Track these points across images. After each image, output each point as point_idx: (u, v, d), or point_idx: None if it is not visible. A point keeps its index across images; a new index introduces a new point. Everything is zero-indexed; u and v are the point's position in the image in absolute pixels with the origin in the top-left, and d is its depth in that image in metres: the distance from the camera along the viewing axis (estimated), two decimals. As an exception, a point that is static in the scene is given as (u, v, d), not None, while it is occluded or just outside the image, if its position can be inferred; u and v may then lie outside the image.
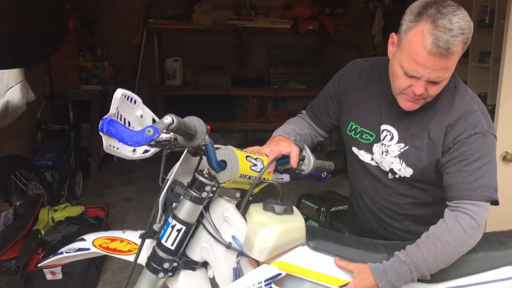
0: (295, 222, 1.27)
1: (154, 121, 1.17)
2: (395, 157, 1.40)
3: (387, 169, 1.44)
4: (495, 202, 1.29)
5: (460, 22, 1.18)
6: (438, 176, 1.36)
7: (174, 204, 1.26)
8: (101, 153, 5.03)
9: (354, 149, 1.51)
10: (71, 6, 5.18)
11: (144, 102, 1.17)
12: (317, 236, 1.33)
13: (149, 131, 0.96)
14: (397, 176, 1.43)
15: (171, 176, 1.25)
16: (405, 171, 1.40)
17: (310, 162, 1.40)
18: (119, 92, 1.06)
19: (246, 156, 1.26)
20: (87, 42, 5.63)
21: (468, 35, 1.20)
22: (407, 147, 1.39)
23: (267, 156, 1.33)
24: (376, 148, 1.45)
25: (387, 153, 1.42)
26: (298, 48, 6.85)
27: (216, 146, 1.24)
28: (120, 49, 6.22)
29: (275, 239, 1.22)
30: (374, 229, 1.54)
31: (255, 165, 1.26)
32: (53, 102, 4.96)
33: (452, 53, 1.18)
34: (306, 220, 3.47)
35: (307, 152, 1.40)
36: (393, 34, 1.32)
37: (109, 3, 6.07)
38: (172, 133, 1.01)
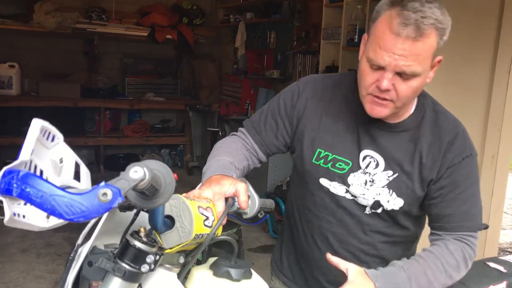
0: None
1: (77, 165, 0.75)
2: (383, 187, 1.23)
3: (370, 202, 1.25)
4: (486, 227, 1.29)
5: (433, 9, 1.04)
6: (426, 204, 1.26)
7: (93, 283, 0.86)
8: None
9: (324, 181, 1.28)
10: None
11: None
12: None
13: (104, 194, 0.58)
14: (378, 210, 1.26)
15: (89, 242, 0.84)
16: (395, 203, 1.23)
17: (255, 203, 1.11)
18: (37, 124, 0.64)
19: (198, 207, 0.92)
20: None
21: (443, 28, 1.06)
22: (396, 174, 1.22)
23: (211, 201, 1.01)
24: (353, 178, 1.25)
25: (373, 183, 1.23)
26: (155, 58, 6.46)
27: None
28: None
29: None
30: (331, 275, 1.31)
31: (207, 218, 0.93)
32: None
33: (422, 35, 1.03)
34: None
35: (251, 192, 1.12)
36: (365, 35, 1.16)
37: None
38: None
